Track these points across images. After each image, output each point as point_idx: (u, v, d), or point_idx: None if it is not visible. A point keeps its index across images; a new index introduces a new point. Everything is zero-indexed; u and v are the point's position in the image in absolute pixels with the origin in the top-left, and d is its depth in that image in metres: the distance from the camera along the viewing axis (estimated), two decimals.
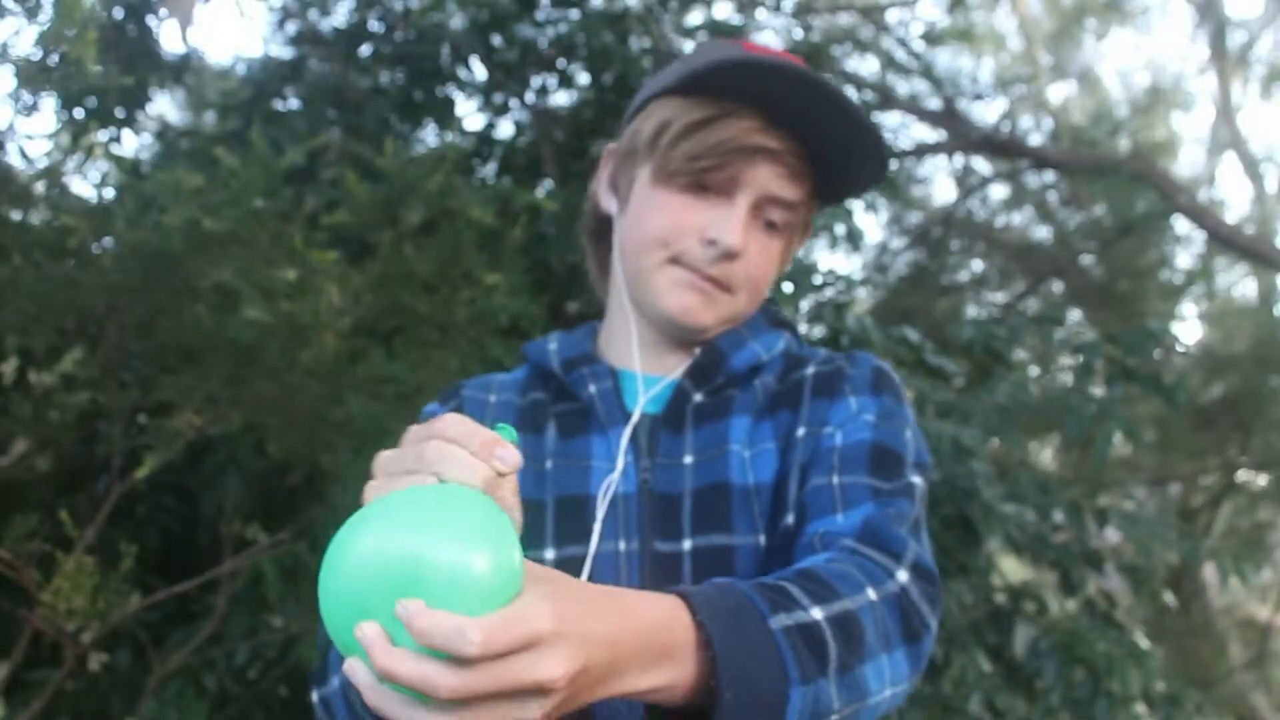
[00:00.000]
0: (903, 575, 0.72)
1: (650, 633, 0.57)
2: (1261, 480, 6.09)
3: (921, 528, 0.80)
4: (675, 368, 0.90)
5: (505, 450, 0.58)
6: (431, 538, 0.51)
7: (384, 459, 0.61)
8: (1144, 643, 2.49)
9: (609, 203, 0.93)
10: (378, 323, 2.16)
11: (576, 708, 0.56)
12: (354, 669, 0.52)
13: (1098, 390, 2.57)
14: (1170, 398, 2.49)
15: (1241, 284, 8.72)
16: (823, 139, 0.83)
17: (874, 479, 0.80)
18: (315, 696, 0.76)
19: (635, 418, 0.86)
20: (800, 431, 0.85)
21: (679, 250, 0.85)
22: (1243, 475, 5.89)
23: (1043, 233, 7.28)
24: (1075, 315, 6.37)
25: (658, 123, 0.86)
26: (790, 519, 0.81)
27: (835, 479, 0.80)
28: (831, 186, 0.89)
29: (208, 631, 1.99)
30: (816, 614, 0.63)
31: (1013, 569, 3.81)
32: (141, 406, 2.15)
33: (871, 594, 0.68)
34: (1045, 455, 6.08)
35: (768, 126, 0.82)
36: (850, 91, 4.66)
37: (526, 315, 2.37)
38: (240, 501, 2.17)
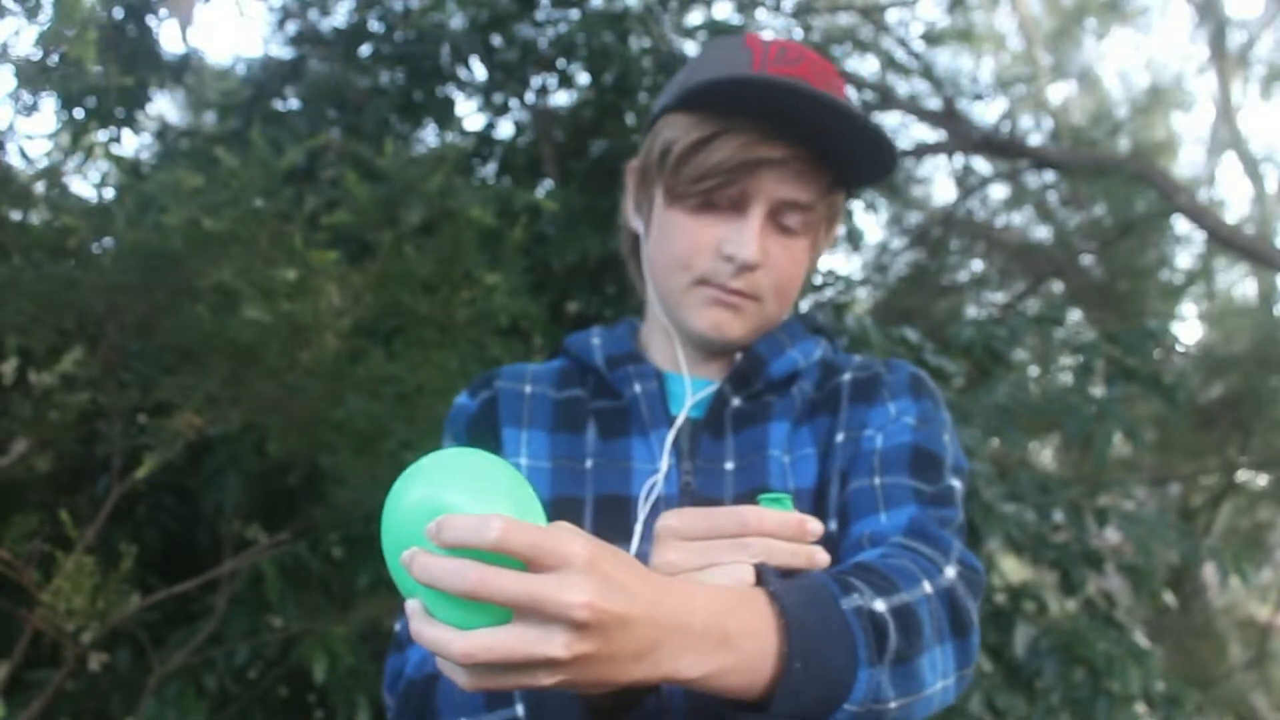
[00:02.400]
0: (951, 571, 0.73)
1: (708, 615, 0.57)
2: (1261, 480, 6.08)
3: (964, 531, 0.81)
4: (717, 373, 0.91)
5: (812, 524, 0.66)
6: (466, 493, 0.53)
7: (693, 547, 0.65)
8: (1144, 643, 2.49)
9: (636, 223, 0.93)
10: (378, 323, 2.16)
11: (622, 681, 0.55)
12: (411, 607, 0.54)
13: (1098, 390, 2.57)
14: (1170, 398, 2.49)
15: (1241, 284, 8.72)
16: (826, 141, 0.83)
17: (915, 480, 0.80)
18: None
19: (680, 420, 0.86)
20: (839, 437, 0.85)
21: (701, 270, 0.85)
22: (1243, 475, 5.89)
23: (1043, 233, 7.27)
24: (1075, 315, 6.36)
25: (663, 143, 0.86)
26: (833, 525, 0.81)
27: (876, 480, 0.81)
28: (847, 178, 0.89)
29: (208, 631, 1.99)
30: (880, 605, 0.64)
31: (1013, 569, 3.81)
32: (141, 406, 2.15)
33: (927, 587, 0.69)
34: (1045, 455, 6.08)
35: (768, 136, 0.82)
36: (850, 91, 4.67)
37: (526, 315, 2.37)
38: (240, 501, 2.17)
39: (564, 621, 0.50)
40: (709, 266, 0.85)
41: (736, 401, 0.88)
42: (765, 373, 0.89)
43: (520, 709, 0.69)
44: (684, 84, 0.85)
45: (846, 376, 0.90)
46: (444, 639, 0.51)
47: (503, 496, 0.54)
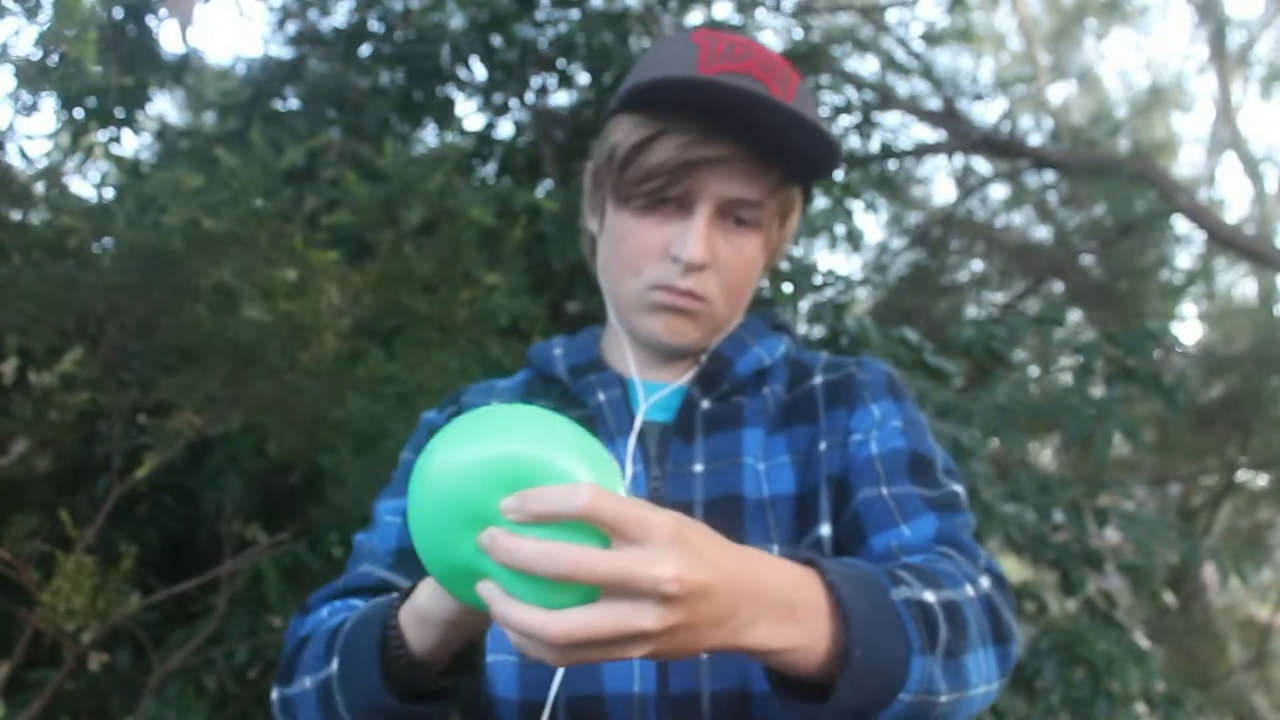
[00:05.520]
0: (985, 580, 0.74)
1: (778, 586, 0.58)
2: (1261, 480, 6.09)
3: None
4: (678, 375, 0.90)
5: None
6: (541, 444, 0.52)
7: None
8: (1144, 643, 2.49)
9: (592, 223, 0.93)
10: (378, 323, 2.16)
11: (703, 648, 0.55)
12: (486, 589, 0.53)
13: (1098, 390, 2.57)
14: (1170, 398, 2.49)
15: (1241, 284, 8.72)
16: (770, 138, 0.82)
17: (919, 487, 0.81)
18: (276, 695, 0.76)
19: (638, 424, 0.86)
20: (822, 445, 0.85)
21: (650, 272, 0.85)
22: (1243, 475, 5.89)
23: (1043, 233, 7.28)
24: (1075, 315, 6.37)
25: (610, 145, 0.86)
26: (825, 529, 0.81)
27: (884, 490, 0.81)
28: (796, 174, 0.87)
29: (207, 631, 1.99)
30: (930, 596, 0.65)
31: (1013, 569, 3.81)
32: (141, 406, 2.15)
33: (969, 590, 0.70)
34: (1045, 455, 6.08)
35: (710, 135, 0.81)
36: (849, 91, 4.67)
37: (526, 315, 2.37)
38: (240, 501, 2.17)
39: (654, 596, 0.51)
40: (657, 268, 0.84)
41: (706, 404, 0.88)
42: (731, 372, 0.89)
43: (335, 664, 0.69)
44: (630, 84, 0.85)
45: (818, 380, 0.90)
46: (538, 622, 0.51)
47: (581, 456, 0.53)
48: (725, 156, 0.81)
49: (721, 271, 0.85)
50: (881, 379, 0.90)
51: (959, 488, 0.84)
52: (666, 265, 0.84)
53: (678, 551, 0.52)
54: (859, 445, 0.84)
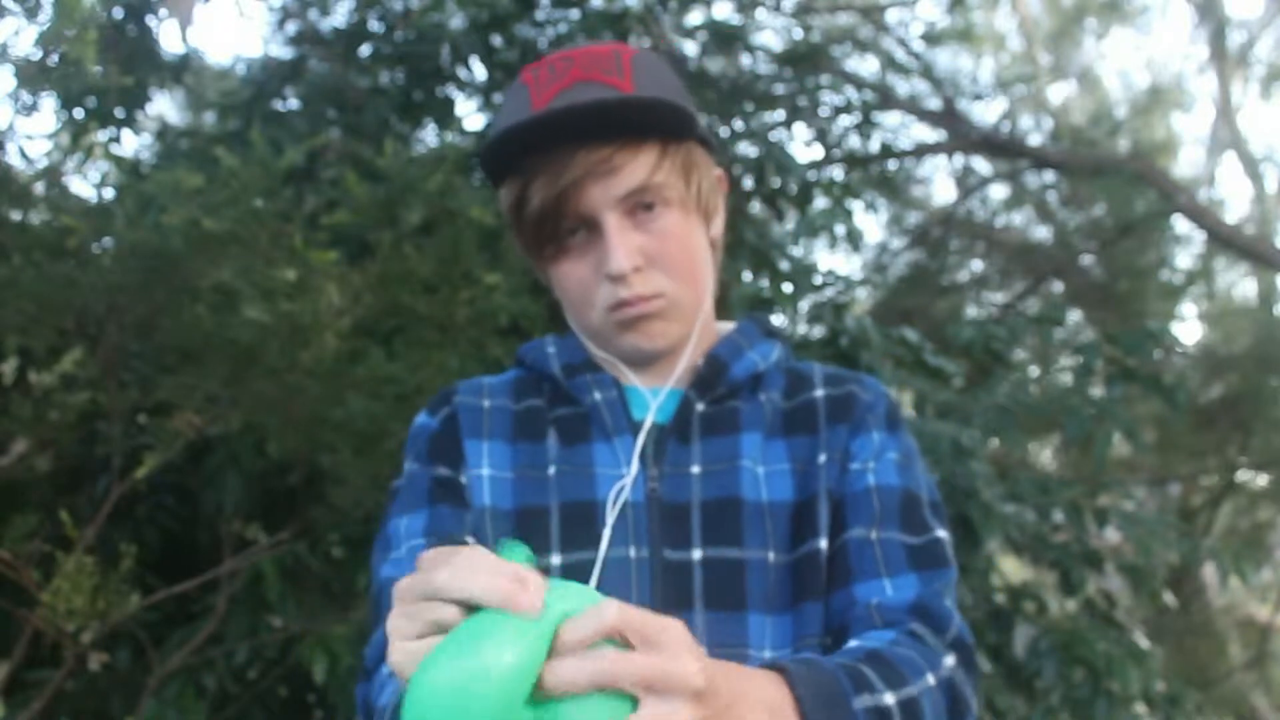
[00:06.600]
0: (949, 660, 0.77)
1: (758, 689, 0.62)
2: (1261, 480, 6.08)
3: (955, 582, 0.85)
4: (668, 374, 0.91)
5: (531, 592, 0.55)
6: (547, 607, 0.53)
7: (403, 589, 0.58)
8: (1144, 643, 2.49)
9: (542, 276, 0.95)
10: (378, 323, 2.16)
11: None
12: None
13: (1098, 390, 2.57)
14: (1170, 398, 2.49)
15: (1241, 284, 8.73)
16: (623, 125, 0.82)
17: (906, 534, 0.83)
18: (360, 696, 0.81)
19: (647, 426, 0.86)
20: (822, 457, 0.86)
21: (599, 299, 0.85)
22: (1243, 475, 5.89)
23: (1043, 233, 7.28)
24: (1075, 315, 6.37)
25: (506, 217, 0.89)
26: (822, 543, 0.83)
27: (874, 534, 0.83)
28: (674, 131, 0.86)
29: (207, 631, 1.99)
30: (889, 699, 0.69)
31: (1013, 569, 3.81)
32: (141, 406, 2.15)
33: (930, 679, 0.73)
34: (1045, 455, 6.08)
35: (567, 159, 0.81)
36: (849, 91, 4.67)
37: (526, 315, 2.36)
38: (240, 501, 2.16)
39: (685, 691, 0.53)
40: (603, 293, 0.85)
41: (701, 406, 0.88)
42: (727, 375, 0.89)
43: None
44: (482, 154, 0.87)
45: (819, 393, 0.91)
46: None
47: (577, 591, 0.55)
48: (592, 167, 0.81)
49: (660, 261, 0.85)
50: (882, 403, 0.91)
51: (943, 533, 0.86)
52: (608, 286, 0.84)
53: (696, 657, 0.55)
54: (858, 474, 0.86)
